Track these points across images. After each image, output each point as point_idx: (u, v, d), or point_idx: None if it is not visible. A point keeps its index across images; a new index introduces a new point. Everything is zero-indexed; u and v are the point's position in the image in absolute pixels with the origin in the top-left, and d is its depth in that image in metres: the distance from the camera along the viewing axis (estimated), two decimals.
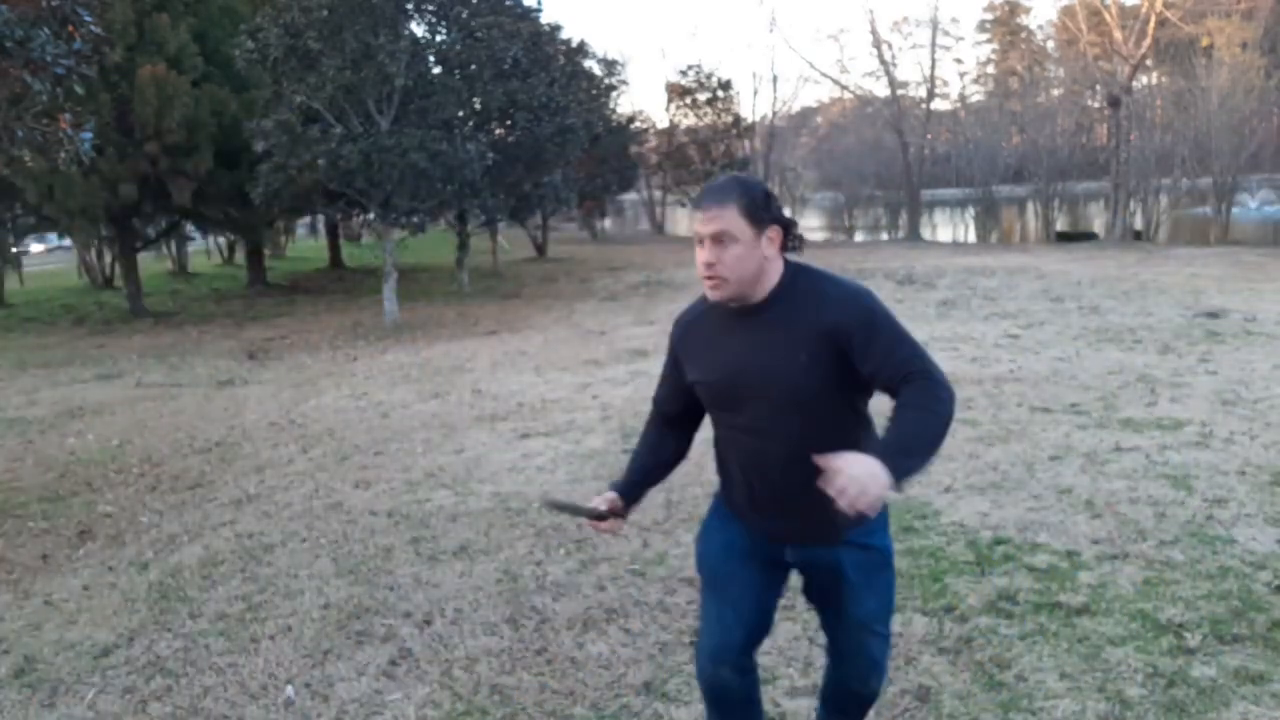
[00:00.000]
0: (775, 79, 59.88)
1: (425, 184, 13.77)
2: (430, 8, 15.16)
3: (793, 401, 2.02)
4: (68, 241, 25.16)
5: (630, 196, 42.16)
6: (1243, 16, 30.15)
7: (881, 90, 38.49)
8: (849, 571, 2.14)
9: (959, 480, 4.82)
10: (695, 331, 2.18)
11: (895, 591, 2.27)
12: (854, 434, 2.05)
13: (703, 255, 2.00)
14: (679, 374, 2.22)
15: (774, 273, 2.04)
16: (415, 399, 8.12)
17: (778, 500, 2.12)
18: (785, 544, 2.18)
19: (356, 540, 4.58)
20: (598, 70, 29.38)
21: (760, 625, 2.26)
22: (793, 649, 3.17)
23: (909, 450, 1.86)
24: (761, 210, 1.99)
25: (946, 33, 50.58)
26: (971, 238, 35.27)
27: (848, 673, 2.30)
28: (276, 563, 4.35)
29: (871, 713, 2.80)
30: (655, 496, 4.92)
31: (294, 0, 13.10)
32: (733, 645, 2.22)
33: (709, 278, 2.01)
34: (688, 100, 37.43)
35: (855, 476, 1.73)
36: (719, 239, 1.97)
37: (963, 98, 45.63)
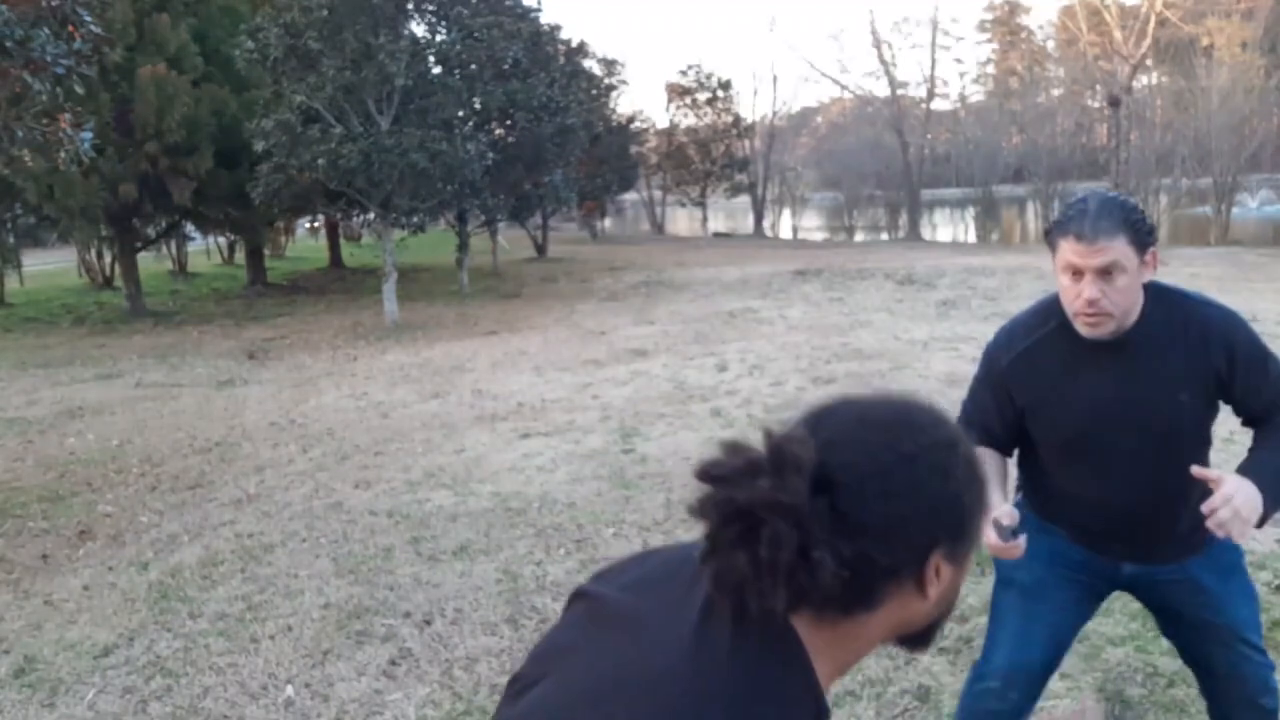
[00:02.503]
0: (775, 79, 60.01)
1: (425, 184, 13.76)
2: (430, 8, 15.16)
3: (1162, 441, 1.86)
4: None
5: (630, 196, 42.17)
6: (1243, 16, 30.17)
7: (881, 90, 38.61)
8: (1203, 579, 1.96)
9: None
10: (1037, 363, 1.91)
11: (1259, 603, 2.05)
12: (1205, 458, 1.94)
13: (1083, 290, 1.76)
14: (1009, 406, 1.97)
15: (1140, 297, 1.84)
16: (415, 399, 8.12)
17: (1121, 529, 1.96)
18: (1123, 562, 2.01)
19: (356, 540, 4.58)
20: (598, 70, 29.40)
21: (1062, 652, 2.05)
22: None
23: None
24: (1145, 235, 1.79)
25: (946, 33, 50.77)
26: (971, 238, 35.28)
27: (1231, 699, 2.04)
28: (276, 563, 4.35)
29: (871, 713, 2.80)
30: (655, 496, 4.94)
31: (294, 0, 13.10)
32: (1031, 667, 2.00)
33: (1091, 315, 1.78)
34: (688, 100, 37.46)
35: (1238, 508, 1.63)
36: (1107, 271, 1.75)
37: (963, 98, 45.68)
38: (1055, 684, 2.86)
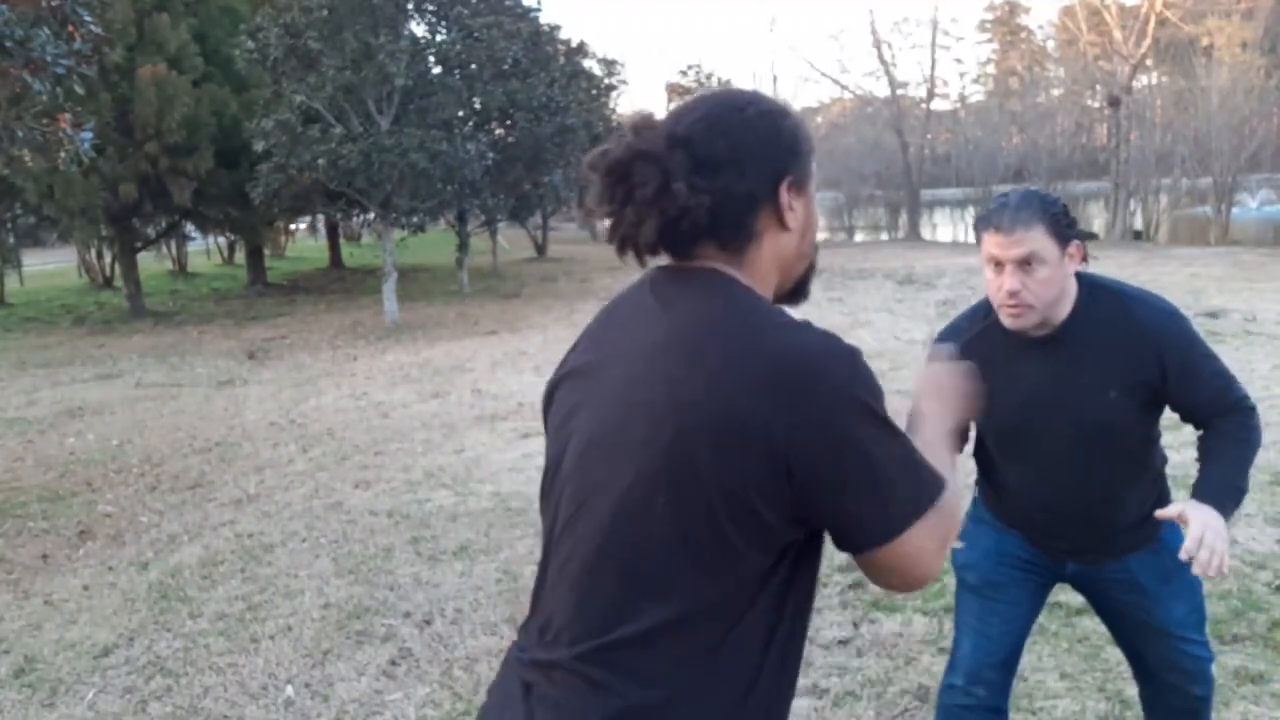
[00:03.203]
0: (775, 79, 59.94)
1: (425, 184, 13.77)
2: (430, 8, 15.17)
3: (1092, 437, 1.89)
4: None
5: None
6: (1243, 16, 30.14)
7: (881, 90, 38.58)
8: (1142, 578, 1.99)
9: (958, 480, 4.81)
10: (974, 357, 1.94)
11: (1203, 596, 2.06)
12: (1146, 458, 1.97)
13: (1004, 282, 1.82)
14: None
15: (1071, 291, 1.88)
16: (415, 399, 8.12)
17: (1060, 525, 2.00)
18: (1066, 559, 2.05)
19: (356, 540, 4.58)
20: (597, 70, 29.36)
21: (1020, 646, 2.10)
22: None
23: (1238, 491, 1.82)
24: (1065, 227, 1.83)
25: (946, 33, 50.80)
26: (971, 238, 35.20)
27: (1162, 691, 2.10)
28: (276, 563, 4.35)
29: (871, 713, 2.80)
30: None
31: (294, 0, 13.10)
32: (993, 663, 2.06)
33: (1013, 306, 1.83)
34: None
35: (1212, 545, 1.65)
36: (1025, 262, 1.80)
37: (963, 98, 45.59)
38: (1055, 684, 2.87)
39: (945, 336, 2.03)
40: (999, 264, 1.84)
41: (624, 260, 1.11)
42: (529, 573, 4.03)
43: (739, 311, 1.06)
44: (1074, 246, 1.85)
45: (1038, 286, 1.81)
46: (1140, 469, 1.99)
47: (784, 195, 1.11)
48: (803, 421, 0.99)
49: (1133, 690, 2.82)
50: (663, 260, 1.13)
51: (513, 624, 3.56)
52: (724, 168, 1.07)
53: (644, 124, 1.09)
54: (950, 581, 3.66)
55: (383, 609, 3.76)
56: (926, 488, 1.06)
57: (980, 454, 2.11)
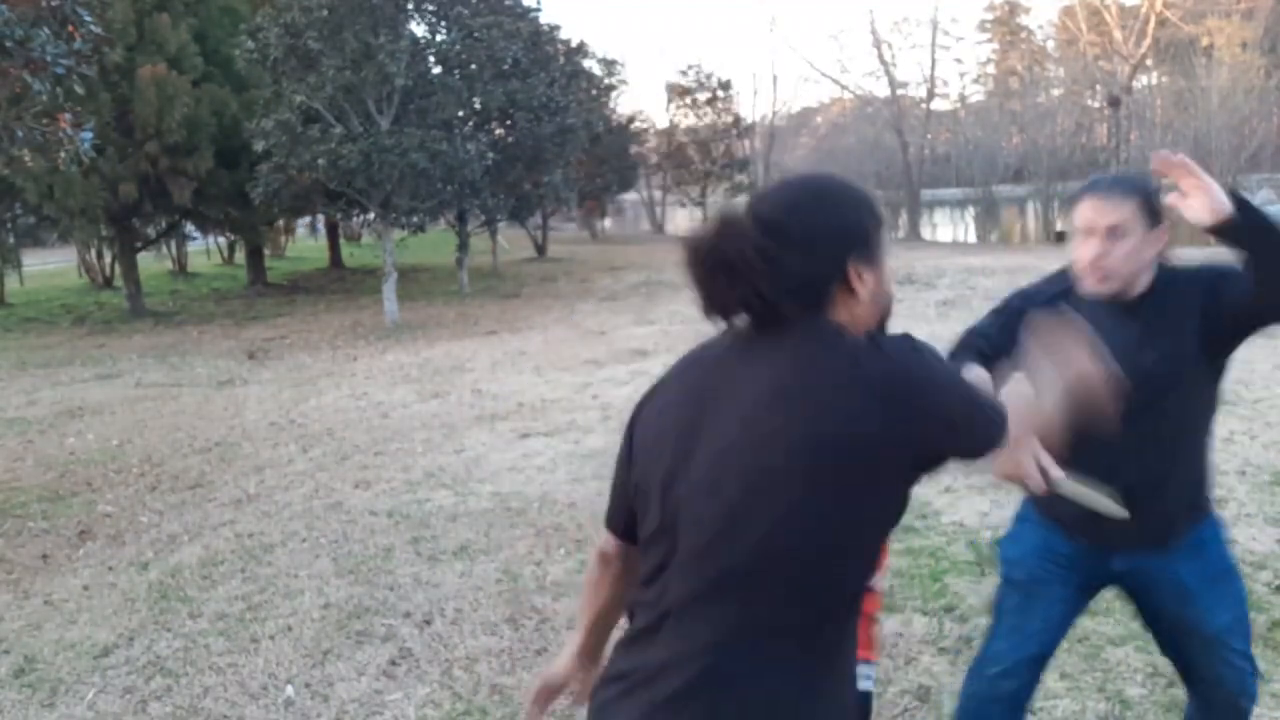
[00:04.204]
0: (775, 79, 60.01)
1: (425, 184, 13.77)
2: (430, 8, 15.16)
3: (1156, 409, 1.94)
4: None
5: (630, 196, 42.19)
6: (1243, 16, 30.15)
7: (881, 90, 38.58)
8: (1187, 579, 2.01)
9: (959, 480, 4.82)
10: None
11: (1247, 608, 2.09)
12: (1201, 431, 2.03)
13: (1090, 247, 1.95)
14: (1008, 337, 2.07)
15: (1151, 271, 1.99)
16: (415, 399, 8.12)
17: (1122, 495, 2.01)
18: (1115, 551, 2.07)
19: (356, 540, 4.58)
20: (597, 70, 29.37)
21: (1053, 645, 2.14)
22: None
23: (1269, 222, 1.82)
24: (1155, 208, 1.95)
25: (946, 33, 50.76)
26: (971, 238, 35.28)
27: (1210, 702, 2.12)
28: (276, 563, 4.35)
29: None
30: None
31: (294, 0, 13.10)
32: (1025, 659, 2.11)
33: (1096, 272, 1.95)
34: (688, 100, 37.43)
35: (1206, 183, 1.76)
36: (1113, 232, 1.92)
37: (963, 98, 45.65)
38: (1055, 684, 2.87)
39: (1021, 299, 2.13)
40: (1089, 231, 1.95)
41: (713, 323, 1.32)
42: (529, 573, 4.03)
43: (833, 341, 1.25)
44: (1161, 230, 1.95)
45: (1121, 256, 1.92)
46: (1194, 443, 2.04)
47: (853, 271, 1.28)
48: (903, 422, 1.20)
49: (1133, 690, 2.82)
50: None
51: (513, 624, 3.56)
52: (799, 250, 1.25)
53: (730, 216, 1.28)
54: (950, 582, 3.67)
55: (383, 609, 3.76)
56: (997, 424, 1.30)
57: None
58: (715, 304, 1.28)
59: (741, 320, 1.30)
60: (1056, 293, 2.06)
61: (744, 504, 1.22)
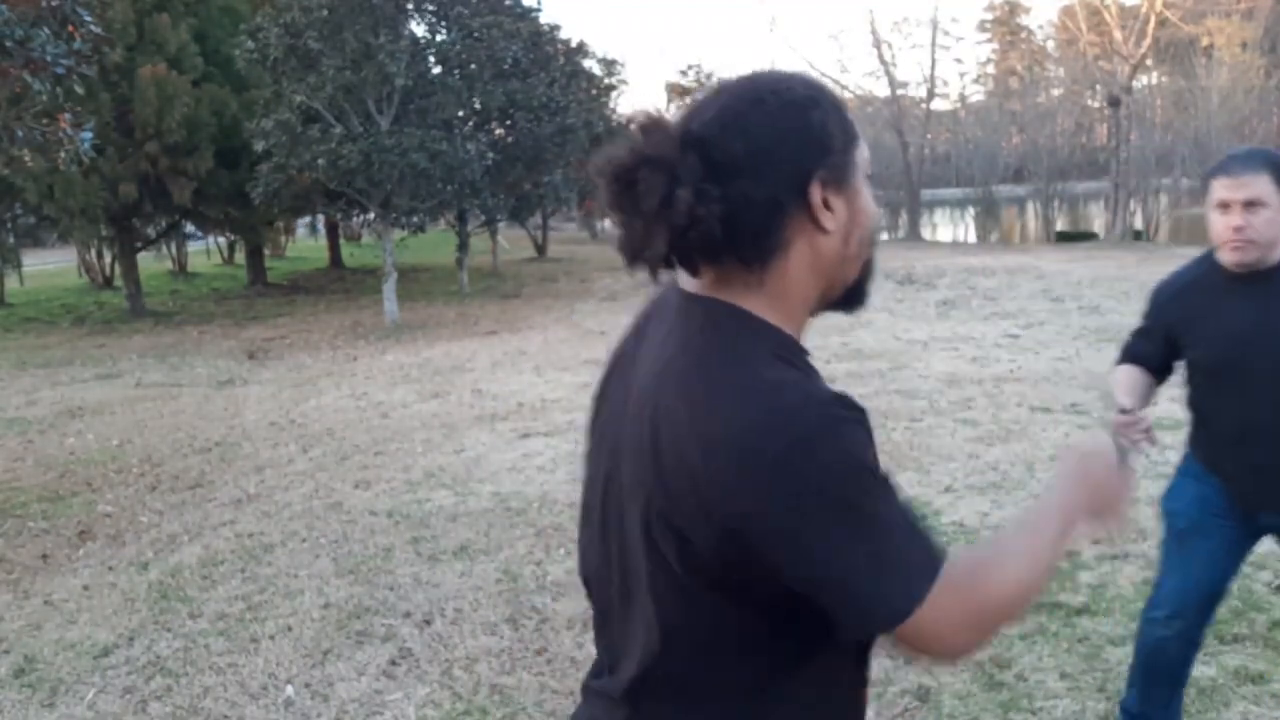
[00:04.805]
0: None
1: (425, 184, 13.77)
2: (430, 8, 15.16)
3: None
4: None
5: None
6: (1243, 16, 30.14)
7: (881, 90, 38.47)
8: None
9: (959, 480, 4.82)
10: (1190, 299, 2.25)
11: None
12: None
13: (1231, 220, 2.07)
14: (1164, 341, 2.31)
15: None
16: (415, 399, 8.12)
17: (1255, 462, 2.20)
18: (1261, 510, 2.25)
19: (356, 540, 4.58)
20: (597, 70, 29.34)
21: (1220, 588, 2.33)
22: None
23: None
24: None
25: (946, 33, 50.66)
26: (971, 238, 35.30)
27: None
28: (276, 563, 4.35)
29: (871, 713, 2.80)
30: None
31: (294, 0, 13.10)
32: (1189, 602, 2.31)
33: (1237, 241, 2.07)
34: (688, 100, 37.31)
35: None
36: (1251, 204, 2.05)
37: (963, 98, 45.61)
38: (1055, 684, 2.87)
39: (1170, 280, 2.31)
40: (1226, 205, 2.08)
41: (633, 274, 1.00)
42: (529, 573, 4.04)
43: (718, 363, 0.95)
44: None
45: (1261, 225, 2.06)
46: None
47: (815, 195, 0.97)
48: (749, 499, 0.90)
49: None
50: (683, 277, 1.02)
51: (513, 624, 3.56)
52: (740, 171, 0.94)
53: (653, 125, 0.96)
54: None
55: (383, 609, 3.76)
56: (907, 585, 0.90)
57: (1190, 394, 2.32)
58: (631, 249, 0.96)
59: (669, 274, 1.01)
60: (1192, 277, 2.24)
61: (600, 513, 1.08)
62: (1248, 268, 2.10)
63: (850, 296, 1.06)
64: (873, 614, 0.91)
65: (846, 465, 0.90)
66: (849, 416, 0.91)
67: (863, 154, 1.02)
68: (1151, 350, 2.33)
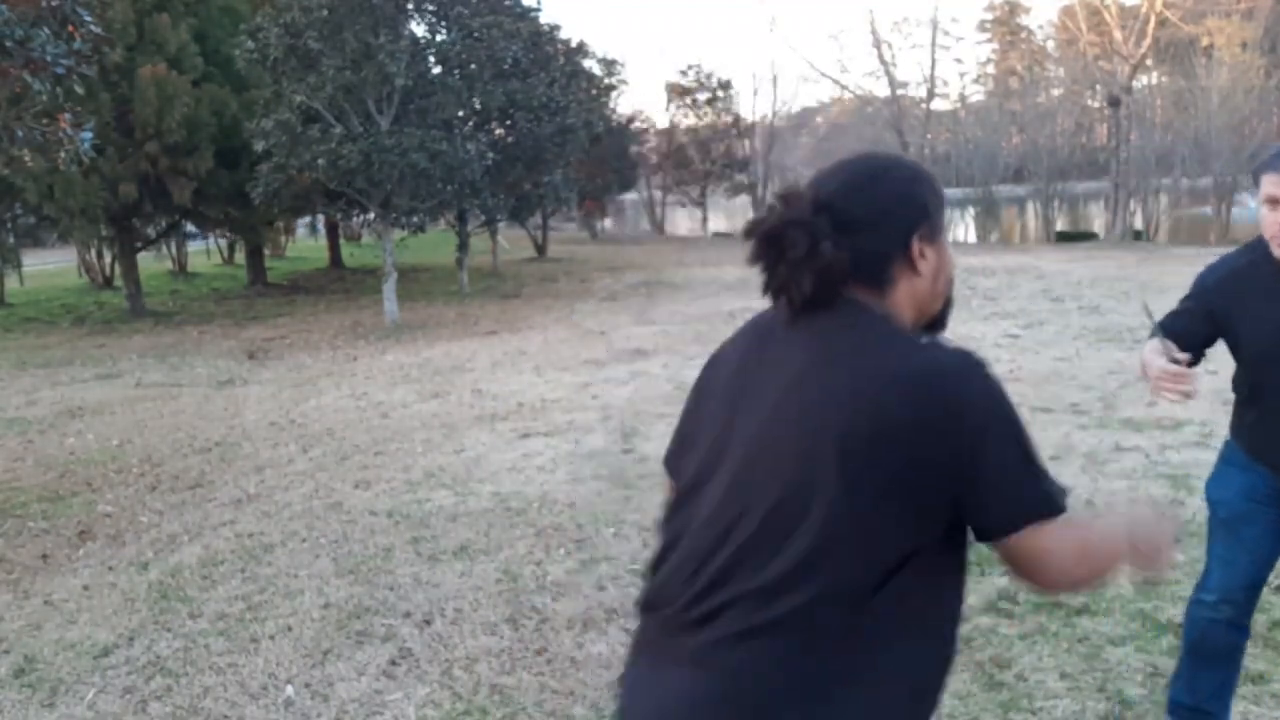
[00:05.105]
0: (775, 79, 59.95)
1: (425, 184, 13.76)
2: (430, 8, 15.15)
3: None
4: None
5: (630, 196, 42.15)
6: (1243, 16, 30.12)
7: (881, 90, 38.51)
8: None
9: None
10: (1238, 287, 2.26)
11: None
12: None
13: (1277, 216, 2.10)
14: (1203, 320, 2.31)
15: None
16: (415, 399, 8.12)
17: None
18: None
19: (356, 540, 4.59)
20: (597, 70, 29.35)
21: (1265, 571, 2.38)
22: None
23: None
24: None
25: (946, 33, 50.69)
26: (971, 238, 35.27)
27: None
28: (276, 563, 4.35)
29: None
30: (655, 496, 4.94)
31: (294, 0, 13.10)
32: (1236, 587, 2.36)
33: None
34: (688, 100, 37.44)
35: None
36: None
37: (963, 98, 45.54)
38: (1055, 684, 2.87)
39: (1217, 263, 2.33)
40: (1275, 201, 2.10)
41: (775, 304, 1.31)
42: (529, 573, 4.04)
43: (881, 334, 1.25)
44: None
45: None
46: None
47: (915, 247, 1.29)
48: (938, 423, 1.17)
49: (1133, 690, 2.82)
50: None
51: (513, 624, 3.56)
52: (862, 228, 1.26)
53: (792, 195, 1.29)
54: None
55: (383, 609, 3.76)
56: (1049, 494, 1.19)
57: (1237, 383, 2.37)
58: (775, 285, 1.28)
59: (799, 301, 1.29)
60: (1242, 264, 2.26)
61: (761, 476, 1.23)
62: None
63: (933, 325, 1.38)
64: (1021, 506, 1.18)
65: (1003, 394, 1.21)
66: (987, 364, 1.23)
67: (945, 220, 1.36)
68: (1191, 329, 2.30)
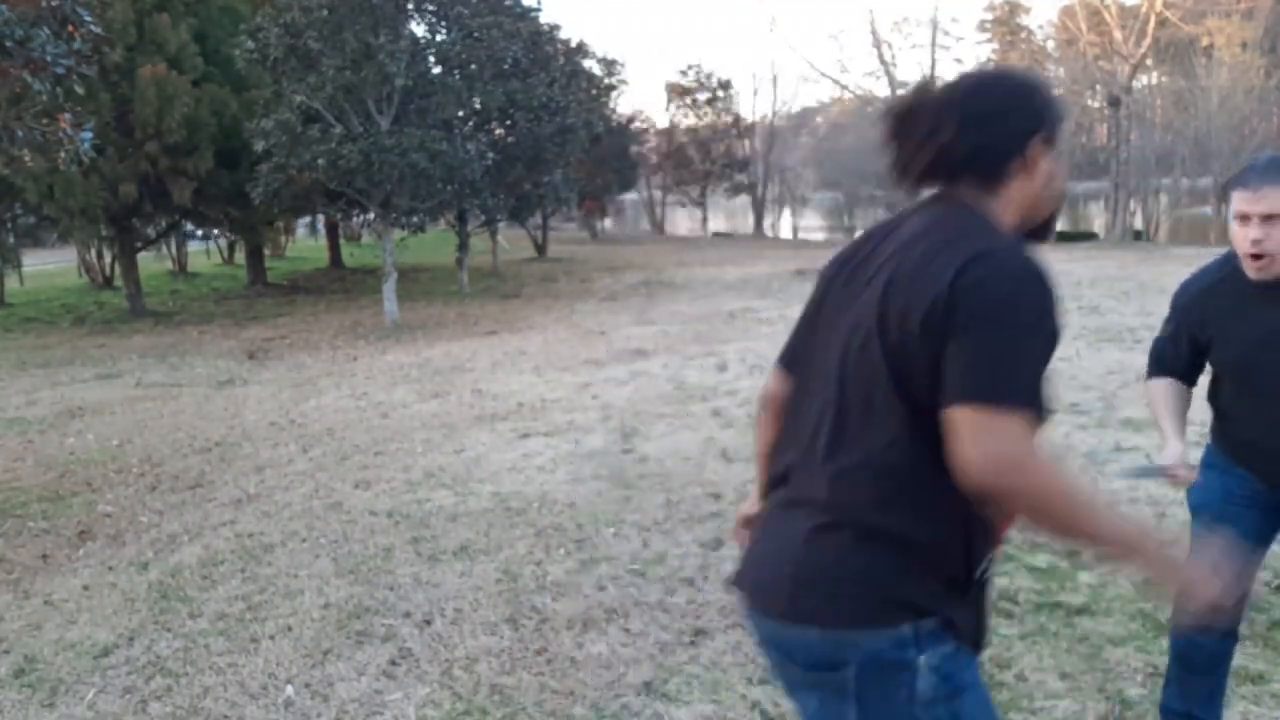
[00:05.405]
0: (775, 79, 59.96)
1: (425, 184, 13.76)
2: (430, 8, 15.15)
3: None
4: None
5: (630, 196, 42.18)
6: (1243, 16, 30.13)
7: (882, 90, 38.45)
8: None
9: None
10: (1212, 303, 2.28)
11: None
12: None
13: (1250, 233, 2.08)
14: (1185, 339, 2.35)
15: None
16: (415, 399, 8.12)
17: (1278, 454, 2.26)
18: None
19: (356, 540, 4.58)
20: (597, 70, 29.35)
21: (1252, 574, 2.41)
22: None
23: None
24: None
25: (946, 33, 50.72)
26: None
27: None
28: (276, 563, 4.35)
29: None
30: (655, 496, 4.94)
31: (294, 0, 13.10)
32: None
33: (1256, 255, 2.09)
34: (688, 100, 37.45)
35: None
36: (1269, 218, 2.05)
37: None
38: (1055, 684, 2.87)
39: (1191, 281, 2.34)
40: (1245, 218, 2.09)
41: (899, 187, 1.45)
42: (529, 573, 4.04)
43: (959, 228, 1.36)
44: None
45: (1278, 240, 2.06)
46: None
47: (1032, 149, 1.40)
48: (957, 295, 1.28)
49: (1133, 690, 2.82)
50: (930, 189, 1.46)
51: (513, 624, 3.56)
52: (986, 122, 1.38)
53: (925, 87, 1.43)
54: None
55: (383, 609, 3.76)
56: (986, 385, 1.26)
57: (1214, 393, 2.38)
58: (900, 167, 1.42)
59: (924, 193, 1.44)
60: (1216, 278, 2.27)
61: (835, 347, 1.42)
62: (1270, 278, 2.12)
63: (1039, 231, 1.47)
64: (955, 381, 1.27)
65: (1027, 304, 1.29)
66: (1044, 275, 1.30)
67: (1065, 132, 1.45)
68: (1180, 355, 2.37)
